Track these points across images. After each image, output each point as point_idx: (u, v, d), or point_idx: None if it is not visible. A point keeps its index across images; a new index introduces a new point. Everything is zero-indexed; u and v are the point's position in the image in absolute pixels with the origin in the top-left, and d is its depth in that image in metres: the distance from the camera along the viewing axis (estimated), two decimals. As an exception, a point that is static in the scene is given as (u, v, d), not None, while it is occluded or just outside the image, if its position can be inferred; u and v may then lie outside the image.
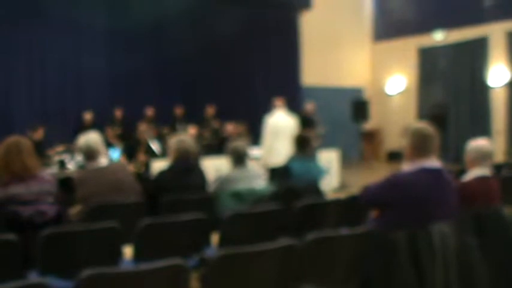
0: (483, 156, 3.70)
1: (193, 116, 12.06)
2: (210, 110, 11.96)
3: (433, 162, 3.01)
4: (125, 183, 4.14)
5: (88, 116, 10.59)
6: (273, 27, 14.35)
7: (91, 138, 4.12)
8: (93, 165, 4.11)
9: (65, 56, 11.40)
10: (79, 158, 7.93)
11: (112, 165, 4.24)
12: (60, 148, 8.83)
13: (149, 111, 11.42)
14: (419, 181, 2.94)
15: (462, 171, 4.12)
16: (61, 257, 3.09)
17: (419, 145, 3.02)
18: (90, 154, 4.10)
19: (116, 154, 8.44)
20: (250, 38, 13.93)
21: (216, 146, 10.26)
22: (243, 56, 13.82)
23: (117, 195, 4.03)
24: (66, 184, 4.46)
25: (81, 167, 7.61)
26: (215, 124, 11.54)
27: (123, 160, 8.08)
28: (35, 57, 11.06)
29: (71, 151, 8.39)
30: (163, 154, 8.37)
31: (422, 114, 14.25)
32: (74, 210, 4.02)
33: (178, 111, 11.87)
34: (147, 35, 12.43)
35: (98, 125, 10.15)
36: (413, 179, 2.95)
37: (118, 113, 11.18)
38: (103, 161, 4.14)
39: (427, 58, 14.66)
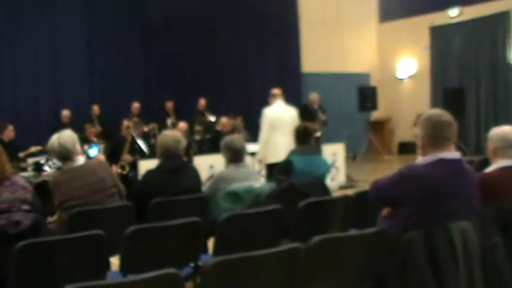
0: (508, 145, 3.65)
1: (184, 110, 12.07)
2: (202, 103, 11.95)
3: (451, 153, 2.99)
4: (106, 182, 4.13)
5: (66, 113, 10.59)
6: (269, 9, 14.32)
7: (64, 136, 4.09)
8: (69, 166, 4.09)
9: (39, 50, 11.39)
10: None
11: (90, 163, 4.22)
12: (34, 149, 8.81)
13: (135, 105, 11.42)
14: (436, 174, 2.92)
15: (484, 162, 4.10)
16: (39, 272, 3.07)
17: (435, 134, 3.00)
18: (65, 155, 4.07)
19: (94, 151, 8.41)
20: (244, 22, 13.92)
21: (210, 141, 10.27)
22: (236, 43, 13.82)
23: (99, 197, 4.02)
24: (43, 189, 4.45)
25: (59, 169, 7.58)
26: (208, 118, 11.54)
27: (101, 157, 8.06)
28: (5, 52, 11.05)
29: (47, 152, 8.37)
30: (152, 153, 8.36)
31: (436, 101, 14.23)
32: (53, 218, 4.02)
33: (169, 105, 11.88)
34: (129, 21, 12.42)
35: (76, 123, 10.15)
36: (429, 172, 2.93)
37: (95, 109, 11.18)
38: (80, 160, 4.13)
39: (441, 38, 14.61)
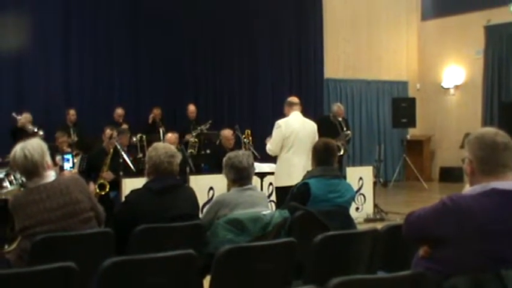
0: None
1: (180, 119, 12.09)
2: (192, 109, 11.94)
3: (507, 182, 2.97)
4: (81, 204, 4.10)
5: (26, 118, 10.52)
6: (286, 4, 14.35)
7: (30, 146, 4.04)
8: (36, 183, 4.03)
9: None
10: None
11: (62, 181, 4.18)
12: None
13: (118, 111, 11.44)
14: (488, 207, 2.90)
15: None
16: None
17: (487, 158, 2.98)
18: (31, 169, 4.00)
19: (68, 165, 8.42)
20: (255, 16, 13.93)
21: (210, 158, 10.27)
22: (245, 40, 13.85)
23: (72, 222, 3.99)
24: (1, 210, 4.43)
25: (23, 187, 7.57)
26: (207, 129, 11.54)
27: (76, 173, 8.07)
28: None
29: (8, 165, 8.37)
30: (139, 169, 8.37)
31: (490, 118, 14.15)
32: (11, 246, 3.99)
33: (155, 112, 11.90)
34: (114, 9, 12.41)
35: (44, 130, 10.16)
36: (479, 205, 2.91)
37: (71, 114, 11.17)
38: (49, 177, 4.09)
39: (499, 39, 14.53)
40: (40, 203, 3.96)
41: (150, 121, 11.77)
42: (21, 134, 9.37)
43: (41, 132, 9.42)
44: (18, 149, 4.04)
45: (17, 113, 10.05)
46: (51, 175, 4.10)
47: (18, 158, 4.01)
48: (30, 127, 9.69)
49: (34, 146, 4.05)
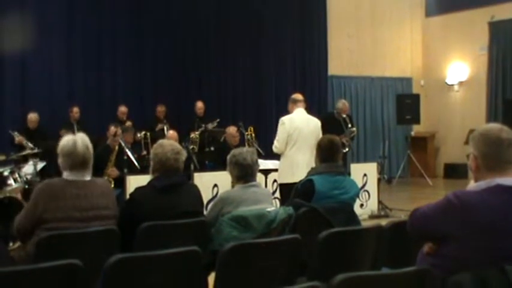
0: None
1: (184, 117, 12.07)
2: (200, 106, 11.93)
3: (511, 178, 2.97)
4: (108, 211, 4.10)
5: (33, 117, 10.55)
6: (290, 1, 14.32)
7: (86, 139, 4.05)
8: (79, 176, 4.00)
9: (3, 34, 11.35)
10: (28, 169, 7.88)
11: (98, 182, 4.18)
12: None
13: (121, 109, 11.44)
14: (492, 203, 2.90)
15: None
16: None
17: (492, 154, 2.98)
18: (87, 161, 4.00)
19: None
20: (259, 14, 13.91)
21: (215, 155, 10.26)
22: (249, 37, 13.83)
23: (92, 225, 3.96)
24: (5, 208, 4.39)
25: (27, 183, 7.57)
26: (208, 125, 11.53)
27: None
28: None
29: (12, 162, 8.37)
30: (143, 167, 8.37)
31: (494, 114, 14.13)
32: (17, 244, 3.95)
33: (160, 109, 11.90)
34: (118, 8, 12.42)
35: (49, 128, 10.16)
36: (483, 201, 2.91)
37: (75, 112, 11.17)
38: (89, 175, 4.08)
39: (503, 35, 14.49)
40: (76, 199, 3.94)
41: (156, 119, 11.76)
42: (21, 149, 9.47)
43: (36, 150, 9.43)
44: (78, 139, 4.04)
45: (13, 130, 10.05)
46: (88, 175, 4.10)
47: (80, 148, 4.00)
48: (28, 145, 9.69)
49: (88, 140, 4.09)
